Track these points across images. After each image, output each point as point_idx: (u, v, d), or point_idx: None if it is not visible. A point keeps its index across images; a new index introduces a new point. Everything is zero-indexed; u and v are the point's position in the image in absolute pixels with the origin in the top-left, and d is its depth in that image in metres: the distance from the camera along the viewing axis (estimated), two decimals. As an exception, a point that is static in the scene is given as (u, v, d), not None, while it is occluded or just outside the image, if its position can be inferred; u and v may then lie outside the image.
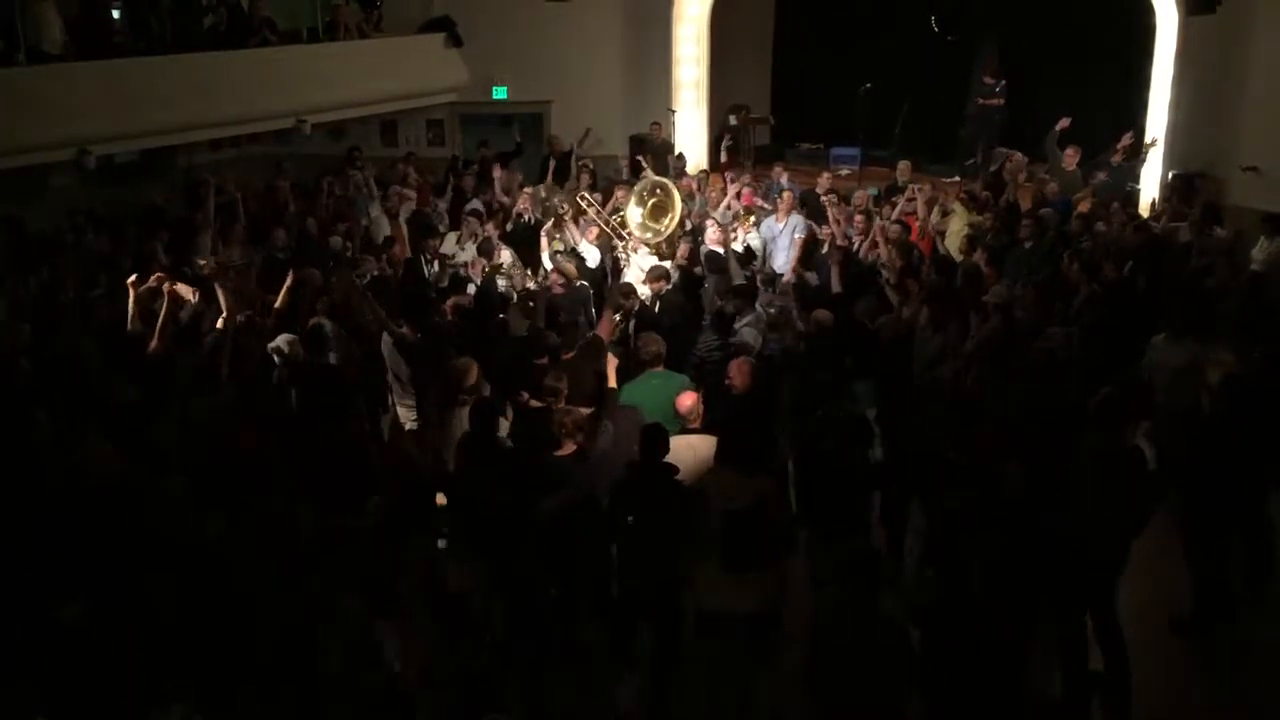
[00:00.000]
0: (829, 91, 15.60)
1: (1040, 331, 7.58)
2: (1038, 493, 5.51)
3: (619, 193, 11.74)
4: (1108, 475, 5.50)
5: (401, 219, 11.86)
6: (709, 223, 10.78)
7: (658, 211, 10.77)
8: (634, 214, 10.77)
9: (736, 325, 8.01)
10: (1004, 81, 14.38)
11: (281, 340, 7.68)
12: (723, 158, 13.49)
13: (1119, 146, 12.35)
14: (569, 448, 5.90)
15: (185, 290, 8.20)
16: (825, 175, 12.64)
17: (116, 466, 5.57)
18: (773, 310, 8.46)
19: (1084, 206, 11.36)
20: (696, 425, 6.20)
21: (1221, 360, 7.22)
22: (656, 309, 9.03)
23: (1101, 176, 12.01)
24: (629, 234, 10.83)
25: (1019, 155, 12.88)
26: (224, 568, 5.09)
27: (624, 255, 10.77)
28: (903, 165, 12.73)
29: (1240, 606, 6.41)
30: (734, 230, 11.02)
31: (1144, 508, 5.62)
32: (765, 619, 5.44)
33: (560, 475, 5.77)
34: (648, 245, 10.65)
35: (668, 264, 9.79)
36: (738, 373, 6.71)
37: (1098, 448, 5.62)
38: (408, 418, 7.91)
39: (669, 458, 5.61)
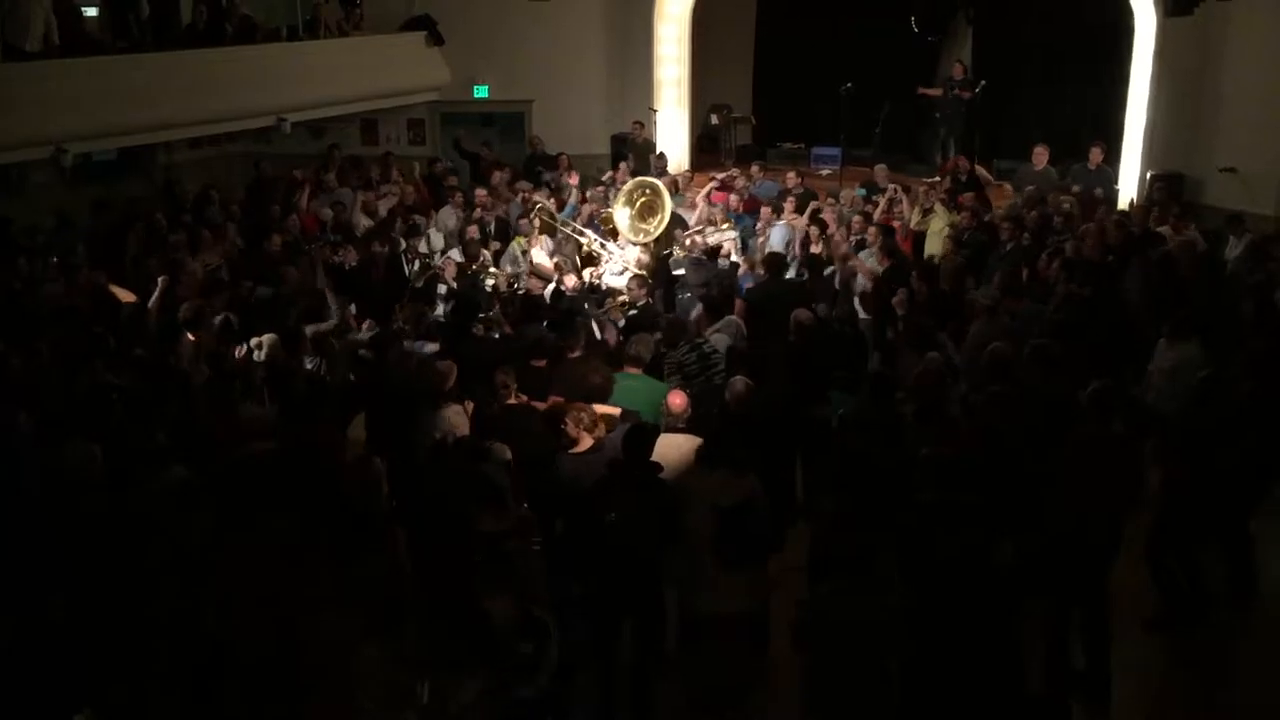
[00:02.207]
0: (810, 91, 15.65)
1: (1029, 326, 7.63)
2: (1012, 490, 5.54)
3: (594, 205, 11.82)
4: (1098, 464, 5.56)
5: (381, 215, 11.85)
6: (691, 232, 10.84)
7: (646, 211, 10.74)
8: (622, 215, 10.74)
9: (707, 333, 8.04)
10: (959, 77, 14.46)
11: (263, 339, 7.63)
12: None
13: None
14: (585, 443, 5.93)
15: (122, 294, 8.49)
16: (791, 174, 12.71)
17: (99, 466, 5.52)
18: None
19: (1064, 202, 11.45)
20: (683, 426, 6.21)
21: (1191, 360, 7.22)
22: (631, 315, 9.08)
23: (1076, 189, 12.07)
24: (612, 239, 10.80)
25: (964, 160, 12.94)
26: (206, 573, 5.07)
27: (600, 253, 10.74)
28: (879, 169, 12.80)
29: (1219, 608, 6.45)
30: (711, 233, 11.01)
31: (1132, 493, 5.66)
32: (753, 620, 5.48)
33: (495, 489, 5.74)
34: (636, 245, 10.65)
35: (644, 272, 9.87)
36: (734, 393, 6.71)
37: (1086, 438, 5.67)
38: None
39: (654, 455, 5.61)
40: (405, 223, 11.50)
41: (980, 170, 12.69)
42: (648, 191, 10.80)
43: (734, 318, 8.56)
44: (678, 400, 6.26)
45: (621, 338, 8.16)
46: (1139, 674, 6.00)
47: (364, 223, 11.74)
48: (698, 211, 11.66)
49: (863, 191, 12.48)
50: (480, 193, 12.26)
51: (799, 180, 12.62)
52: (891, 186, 11.89)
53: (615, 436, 6.06)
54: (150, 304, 8.15)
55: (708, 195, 12.07)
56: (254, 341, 7.58)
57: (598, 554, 5.55)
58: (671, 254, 10.66)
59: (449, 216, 12.02)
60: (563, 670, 5.21)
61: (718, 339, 8.05)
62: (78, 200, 11.76)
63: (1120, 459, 5.67)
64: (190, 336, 7.56)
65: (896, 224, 11.07)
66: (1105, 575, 5.70)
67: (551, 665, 4.90)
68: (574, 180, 12.84)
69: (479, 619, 4.79)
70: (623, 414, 6.48)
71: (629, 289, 9.20)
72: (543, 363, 7.25)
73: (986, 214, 11.05)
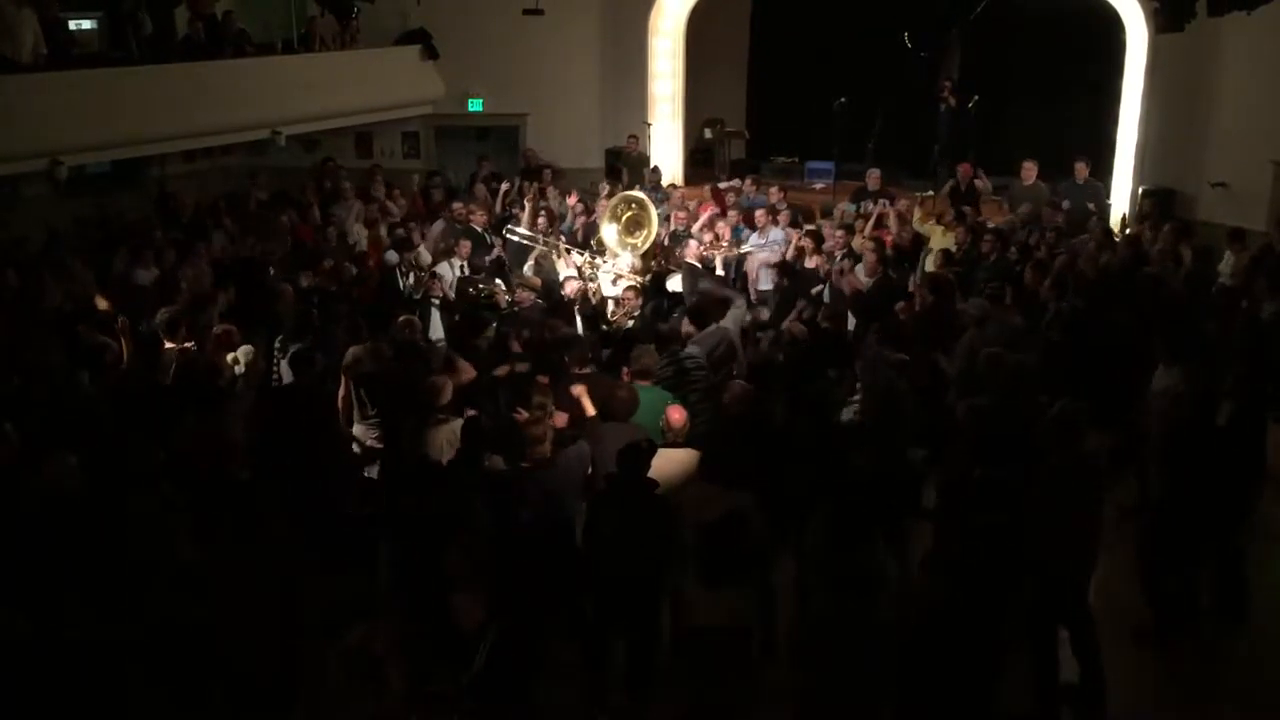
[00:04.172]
0: (804, 106, 15.70)
1: (1010, 341, 7.64)
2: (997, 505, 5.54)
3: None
4: (1063, 487, 5.55)
5: (381, 231, 11.85)
6: (689, 241, 10.85)
7: (633, 226, 10.73)
8: (609, 231, 10.73)
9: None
10: (945, 91, 14.55)
11: (241, 352, 7.62)
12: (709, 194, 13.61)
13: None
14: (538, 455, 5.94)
15: (101, 302, 8.52)
16: (774, 189, 12.78)
17: (82, 482, 5.50)
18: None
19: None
20: (681, 440, 6.22)
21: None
22: (629, 325, 9.10)
23: (1065, 204, 12.09)
24: (601, 255, 10.80)
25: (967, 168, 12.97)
26: (198, 591, 5.05)
27: (590, 271, 10.73)
28: (872, 173, 12.82)
29: (1210, 620, 6.45)
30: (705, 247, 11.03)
31: (1093, 514, 5.67)
32: (739, 635, 5.42)
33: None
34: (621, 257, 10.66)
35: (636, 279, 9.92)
36: (733, 398, 6.70)
37: (1053, 461, 5.68)
38: (367, 435, 7.53)
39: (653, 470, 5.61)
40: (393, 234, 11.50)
41: (979, 183, 12.71)
42: (633, 206, 10.76)
43: (724, 325, 8.53)
44: (676, 415, 6.27)
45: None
46: (1133, 688, 5.98)
47: (361, 234, 11.75)
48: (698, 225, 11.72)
49: (853, 206, 12.51)
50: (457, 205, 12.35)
51: (781, 195, 12.66)
52: (882, 201, 11.93)
53: (572, 454, 6.09)
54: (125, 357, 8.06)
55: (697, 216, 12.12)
56: (230, 357, 7.56)
57: (590, 571, 5.55)
58: (668, 268, 10.68)
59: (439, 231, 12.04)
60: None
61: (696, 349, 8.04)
62: (70, 213, 11.74)
63: (1085, 480, 5.66)
64: (170, 344, 7.55)
65: (888, 237, 11.11)
66: (1085, 590, 5.68)
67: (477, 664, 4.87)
68: (571, 199, 12.82)
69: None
70: (587, 423, 6.46)
71: (625, 299, 9.22)
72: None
73: (981, 226, 11.08)
